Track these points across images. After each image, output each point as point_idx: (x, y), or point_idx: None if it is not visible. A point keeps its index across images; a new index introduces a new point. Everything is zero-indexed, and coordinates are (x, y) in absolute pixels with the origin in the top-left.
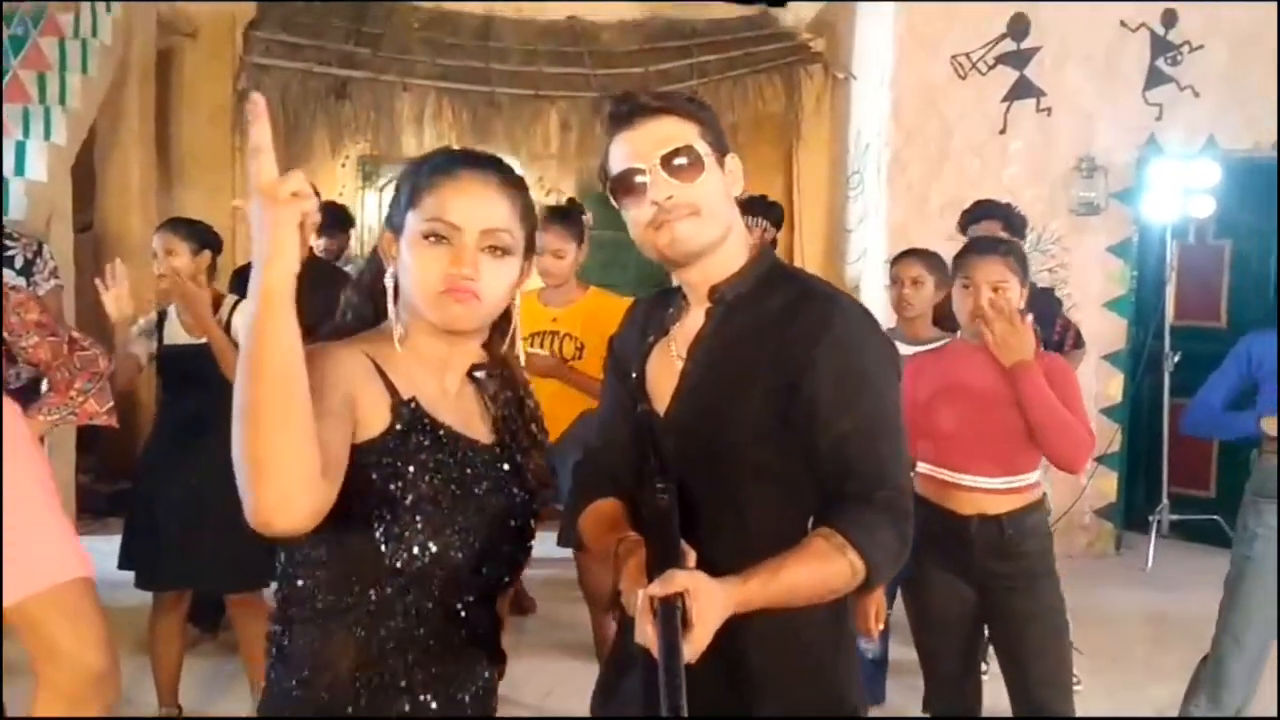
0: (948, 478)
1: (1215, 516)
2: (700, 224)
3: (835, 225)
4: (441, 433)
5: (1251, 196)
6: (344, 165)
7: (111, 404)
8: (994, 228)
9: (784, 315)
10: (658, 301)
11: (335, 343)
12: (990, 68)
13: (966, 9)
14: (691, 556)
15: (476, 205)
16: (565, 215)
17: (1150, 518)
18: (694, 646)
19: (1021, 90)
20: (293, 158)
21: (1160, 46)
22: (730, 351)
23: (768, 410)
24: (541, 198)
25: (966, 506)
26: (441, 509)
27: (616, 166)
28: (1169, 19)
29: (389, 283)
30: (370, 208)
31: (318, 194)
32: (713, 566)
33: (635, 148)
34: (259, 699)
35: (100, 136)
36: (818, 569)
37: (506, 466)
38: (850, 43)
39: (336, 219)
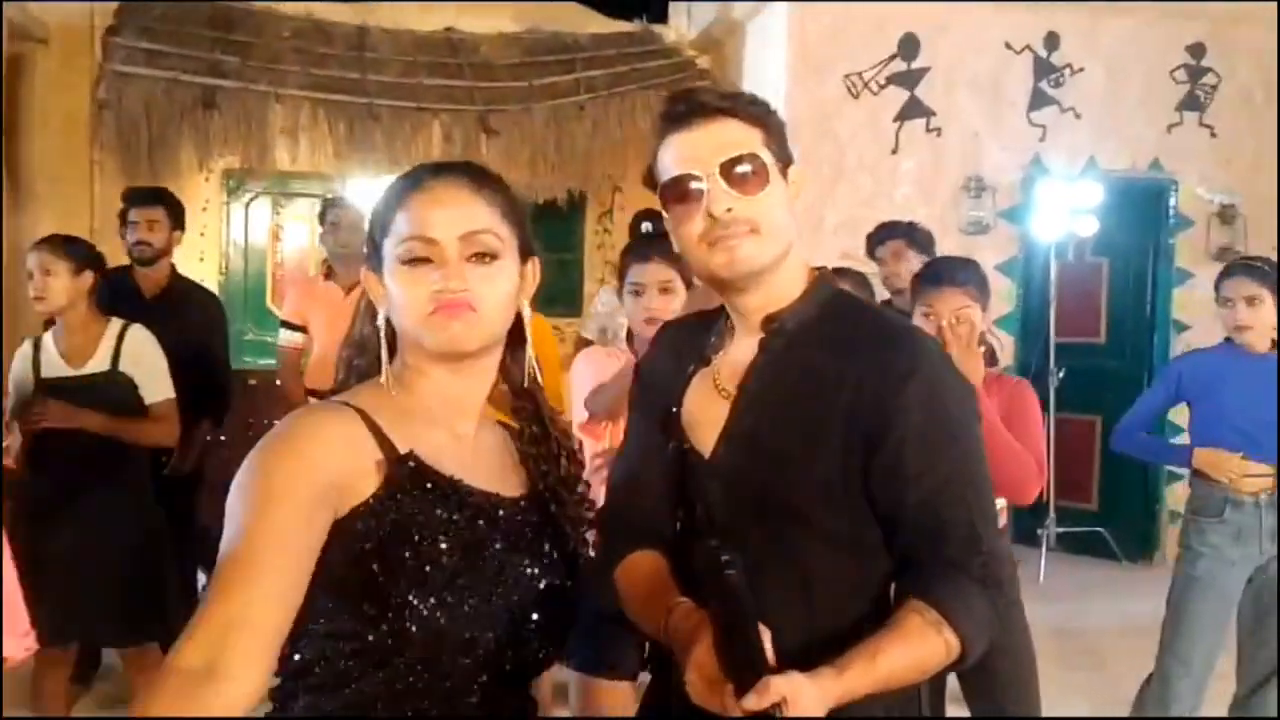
0: None
1: (1099, 529)
2: (761, 243)
3: None
4: (447, 487)
5: (1128, 216)
6: (207, 179)
7: None
8: (900, 247)
9: (859, 351)
10: (694, 326)
11: (312, 411)
12: (881, 87)
13: (858, 29)
14: (767, 636)
15: (450, 213)
16: None
17: (1039, 531)
18: None
19: (912, 110)
20: (156, 171)
21: (1043, 68)
22: (793, 390)
23: (843, 462)
24: None
25: None
26: (449, 576)
27: (668, 171)
28: (1051, 42)
29: (381, 325)
30: (236, 223)
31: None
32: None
33: (692, 152)
34: None
35: None
36: (914, 651)
37: (537, 518)
38: (739, 60)
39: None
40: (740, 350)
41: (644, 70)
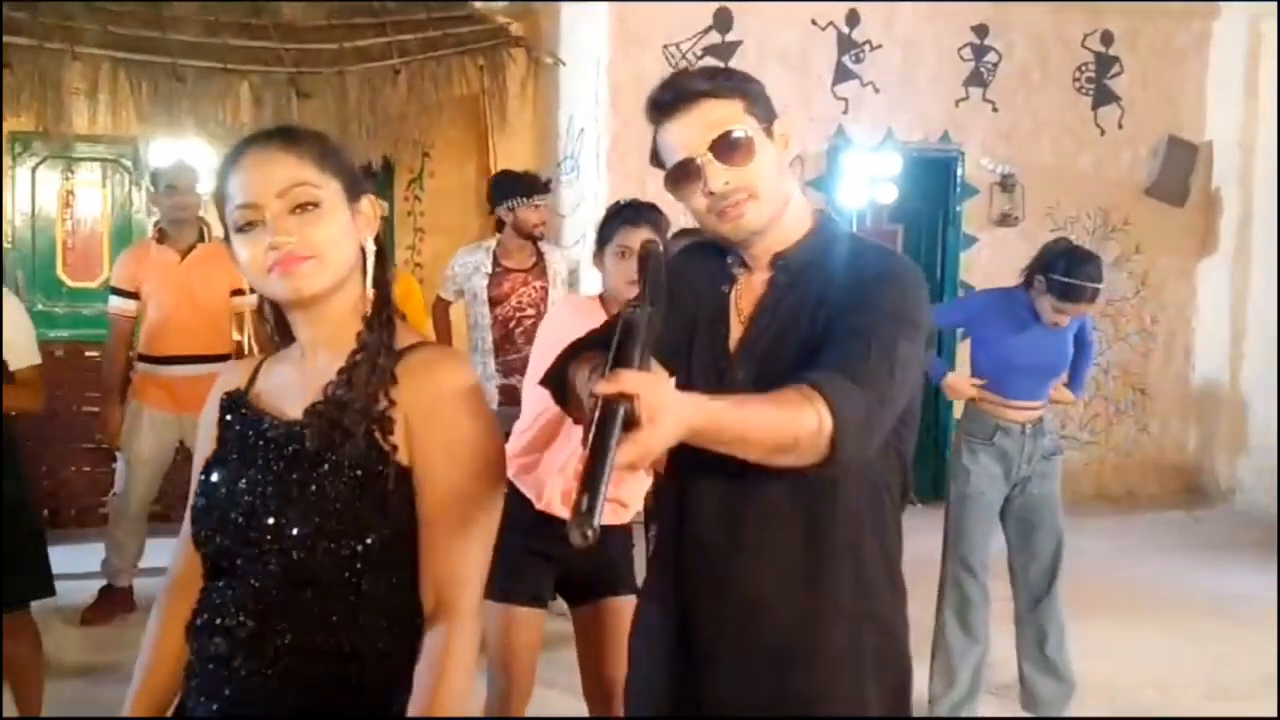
0: None
1: None
2: (760, 206)
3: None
4: (237, 410)
5: (921, 186)
6: None
7: None
8: None
9: (849, 271)
10: (702, 250)
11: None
12: (699, 59)
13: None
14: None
15: (263, 175)
16: None
17: None
18: (641, 448)
19: None
20: None
21: (845, 44)
22: (795, 322)
23: None
24: None
25: None
26: (218, 469)
27: (670, 158)
28: (852, 19)
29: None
30: (21, 186)
31: None
32: (789, 555)
33: (683, 137)
34: None
35: None
36: (783, 411)
37: (318, 430)
38: (555, 27)
39: None
40: (756, 280)
41: (459, 36)
